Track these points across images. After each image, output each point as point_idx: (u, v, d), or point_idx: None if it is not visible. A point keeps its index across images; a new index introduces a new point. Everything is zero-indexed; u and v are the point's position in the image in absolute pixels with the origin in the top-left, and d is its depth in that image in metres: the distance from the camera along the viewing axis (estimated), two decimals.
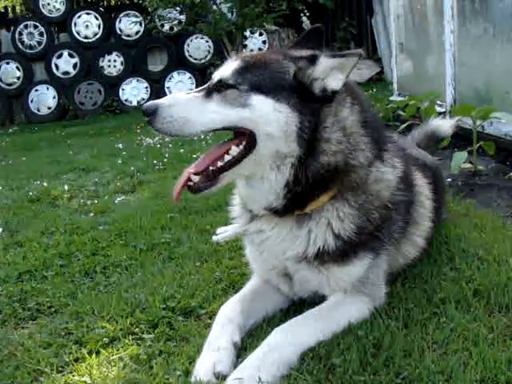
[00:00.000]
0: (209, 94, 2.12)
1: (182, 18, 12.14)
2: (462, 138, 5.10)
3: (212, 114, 2.07)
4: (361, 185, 2.19)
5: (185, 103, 2.10)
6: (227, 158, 2.11)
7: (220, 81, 2.11)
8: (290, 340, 1.98)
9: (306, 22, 13.63)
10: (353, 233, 2.18)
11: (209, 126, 2.09)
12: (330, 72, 2.08)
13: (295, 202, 2.15)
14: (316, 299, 2.32)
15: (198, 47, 13.61)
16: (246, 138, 2.09)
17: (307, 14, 13.55)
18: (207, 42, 13.47)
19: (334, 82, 2.08)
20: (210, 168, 2.13)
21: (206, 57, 13.58)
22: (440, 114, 5.70)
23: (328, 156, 2.09)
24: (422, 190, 2.64)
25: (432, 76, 7.02)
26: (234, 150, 2.10)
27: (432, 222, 2.67)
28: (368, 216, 2.20)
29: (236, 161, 2.10)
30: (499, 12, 5.21)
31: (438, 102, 6.05)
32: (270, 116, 2.04)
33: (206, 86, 2.17)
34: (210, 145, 7.16)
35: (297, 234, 2.20)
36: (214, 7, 10.93)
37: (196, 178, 2.12)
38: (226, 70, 2.13)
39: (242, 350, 2.07)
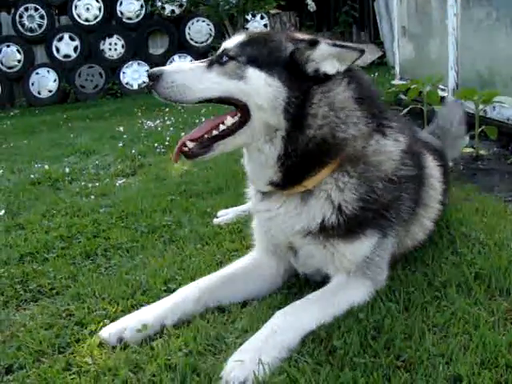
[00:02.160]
0: (211, 64, 2.20)
1: (184, 0, 12.07)
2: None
3: (211, 83, 2.16)
4: (359, 156, 2.21)
5: (187, 71, 2.20)
6: (222, 127, 2.19)
7: (223, 51, 2.20)
8: (291, 324, 1.98)
9: (312, 4, 13.55)
10: (356, 205, 2.19)
11: (206, 94, 2.17)
12: (328, 58, 2.14)
13: (292, 176, 2.20)
14: (318, 277, 2.34)
15: (199, 30, 13.56)
16: (240, 110, 2.16)
17: None
18: (208, 25, 13.41)
19: (329, 67, 2.15)
20: (205, 136, 2.21)
21: (208, 40, 13.53)
22: (442, 98, 5.68)
23: (314, 130, 2.14)
24: (433, 172, 2.65)
25: (434, 60, 6.99)
26: (229, 121, 2.19)
27: (441, 205, 2.68)
28: (371, 186, 2.20)
29: (230, 131, 2.19)
30: None
31: (441, 86, 6.02)
32: (261, 89, 2.11)
33: (210, 58, 2.27)
34: None
35: (301, 209, 2.24)
36: None
37: (191, 145, 2.21)
38: (231, 42, 2.23)
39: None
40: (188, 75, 2.18)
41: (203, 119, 7.80)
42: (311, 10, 13.69)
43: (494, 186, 3.77)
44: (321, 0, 13.74)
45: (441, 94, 5.71)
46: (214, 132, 2.20)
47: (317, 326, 2.01)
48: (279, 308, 2.09)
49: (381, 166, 2.24)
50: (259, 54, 2.15)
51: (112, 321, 2.23)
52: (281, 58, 2.14)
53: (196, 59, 11.85)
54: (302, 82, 2.14)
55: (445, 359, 1.81)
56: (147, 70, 12.25)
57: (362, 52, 2.16)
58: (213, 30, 13.40)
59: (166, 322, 2.17)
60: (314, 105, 2.14)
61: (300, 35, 2.24)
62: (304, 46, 2.14)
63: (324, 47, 2.13)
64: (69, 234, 3.40)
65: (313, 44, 2.14)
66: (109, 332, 2.11)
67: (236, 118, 2.18)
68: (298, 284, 2.44)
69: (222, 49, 2.24)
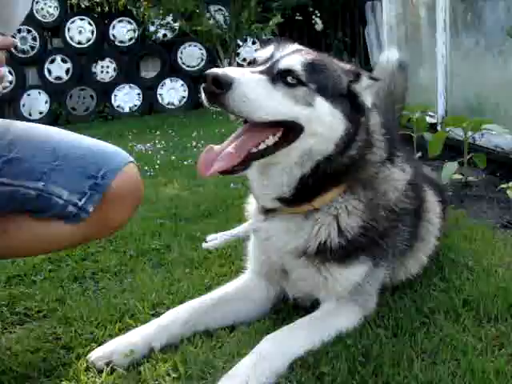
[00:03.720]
0: (274, 81, 2.02)
1: (176, 25, 12.15)
2: (452, 149, 5.13)
3: (278, 104, 1.99)
4: (371, 181, 2.23)
5: (257, 84, 1.97)
6: (262, 146, 2.03)
7: (289, 71, 2.03)
8: (279, 349, 1.97)
9: (319, 23, 13.73)
10: (358, 231, 2.18)
11: (274, 115, 1.98)
12: (365, 90, 2.17)
13: (304, 194, 2.15)
14: (308, 302, 2.35)
15: (191, 55, 13.60)
16: (283, 129, 2.05)
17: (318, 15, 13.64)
18: (200, 49, 13.46)
19: (369, 99, 2.18)
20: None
21: (199, 64, 13.57)
22: (431, 124, 5.73)
23: (349, 158, 2.15)
24: (433, 207, 2.65)
25: (424, 87, 7.05)
26: (271, 140, 2.04)
27: (437, 240, 2.68)
28: (374, 214, 2.21)
29: (271, 151, 2.05)
30: (491, 25, 5.26)
31: (430, 113, 6.07)
32: (325, 118, 2.06)
33: (263, 68, 2.06)
34: (201, 151, 7.15)
35: (302, 225, 2.21)
36: (208, 15, 10.95)
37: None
38: (295, 62, 2.06)
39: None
40: (258, 90, 1.95)
41: (194, 143, 7.82)
42: (318, 29, 13.87)
43: (483, 213, 3.79)
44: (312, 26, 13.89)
45: (430, 120, 5.76)
46: (253, 150, 2.01)
47: (305, 352, 2.00)
48: (267, 333, 2.08)
49: (387, 195, 2.25)
50: (326, 82, 2.09)
51: (99, 345, 2.21)
52: (342, 89, 2.13)
53: (188, 83, 11.89)
54: (355, 114, 2.15)
55: None
56: (138, 94, 12.25)
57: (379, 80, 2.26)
58: (205, 54, 13.46)
59: (154, 344, 2.15)
60: (358, 136, 2.16)
61: (341, 64, 2.25)
62: (354, 79, 2.16)
63: (365, 79, 2.17)
64: (57, 257, 3.37)
65: (357, 76, 2.17)
66: (96, 355, 2.10)
67: (276, 138, 2.04)
68: (287, 309, 2.44)
69: (286, 67, 2.04)
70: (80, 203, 2.06)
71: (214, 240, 3.43)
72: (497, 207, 3.89)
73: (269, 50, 2.19)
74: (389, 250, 2.29)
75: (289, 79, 2.03)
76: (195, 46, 13.39)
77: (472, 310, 2.30)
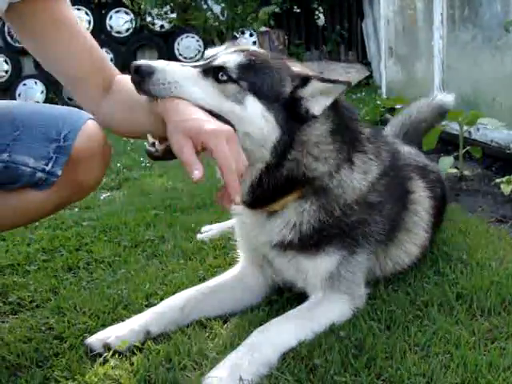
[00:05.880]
0: (206, 73, 2.06)
1: (173, 16, 12.11)
2: (448, 143, 5.14)
3: (206, 93, 2.03)
4: (323, 188, 2.23)
5: (181, 72, 2.04)
6: None
7: (222, 68, 2.06)
8: (270, 340, 1.98)
9: (322, 18, 13.75)
10: (312, 226, 2.24)
11: (199, 102, 2.00)
12: (316, 94, 2.11)
13: (260, 201, 2.24)
14: (296, 290, 2.39)
15: (188, 46, 13.57)
16: None
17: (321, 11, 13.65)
18: (198, 41, 13.43)
19: (317, 107, 2.11)
20: None
21: (196, 55, 13.54)
22: None
23: (289, 169, 2.16)
24: (420, 199, 2.63)
25: (420, 81, 7.06)
26: None
27: (426, 233, 2.66)
28: (329, 213, 2.24)
29: None
30: (488, 19, 5.26)
31: None
32: (256, 120, 2.04)
33: (200, 63, 2.14)
34: None
35: (265, 223, 2.30)
36: (205, 7, 10.92)
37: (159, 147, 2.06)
38: (230, 60, 2.08)
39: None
40: (182, 76, 2.01)
41: None
42: (320, 23, 13.87)
43: (477, 207, 3.80)
44: (311, 18, 13.86)
45: None
46: None
47: (297, 343, 2.00)
48: (260, 324, 2.09)
49: (341, 197, 2.26)
50: (262, 83, 2.06)
51: (92, 335, 2.20)
52: (282, 94, 2.09)
53: None
54: (293, 123, 2.11)
55: (425, 378, 1.81)
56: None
57: (349, 85, 2.17)
58: (202, 45, 13.43)
59: (151, 329, 2.18)
60: (295, 147, 2.14)
61: (294, 67, 2.20)
62: (299, 83, 2.11)
63: (315, 83, 2.10)
64: (51, 247, 3.37)
65: (305, 81, 2.11)
66: (95, 338, 2.13)
67: None
68: (281, 301, 2.44)
69: (219, 63, 2.08)
70: (47, 168, 2.07)
71: (209, 231, 3.44)
72: (491, 201, 3.90)
73: (217, 49, 2.24)
74: (364, 239, 2.31)
75: (219, 75, 2.05)
76: (192, 37, 13.36)
77: (465, 304, 2.30)
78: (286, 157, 2.13)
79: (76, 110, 2.23)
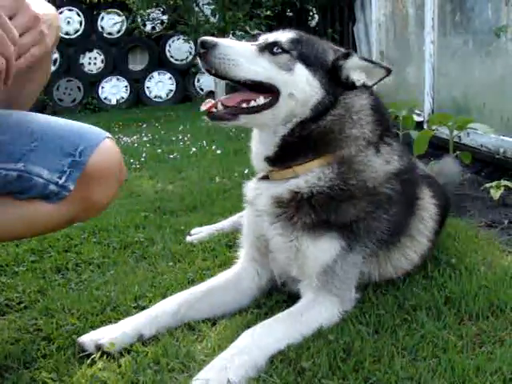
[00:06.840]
0: (261, 50, 2.34)
1: (165, 18, 12.10)
2: (438, 148, 5.15)
3: (260, 67, 2.30)
4: (349, 159, 2.33)
5: (241, 48, 2.33)
6: (253, 103, 2.33)
7: (275, 43, 2.35)
8: (258, 343, 1.98)
9: (316, 19, 13.80)
10: (327, 202, 2.29)
11: (253, 75, 2.30)
12: (357, 69, 2.38)
13: (286, 155, 2.38)
14: (293, 287, 2.40)
15: (179, 48, 13.59)
16: (272, 94, 2.32)
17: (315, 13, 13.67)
18: (189, 43, 13.44)
19: (356, 77, 2.37)
20: (238, 106, 2.33)
21: (187, 58, 13.56)
22: (418, 123, 5.75)
23: (323, 127, 2.33)
24: (427, 206, 2.64)
25: (411, 85, 7.08)
26: (261, 100, 2.32)
27: (430, 242, 2.66)
28: (344, 184, 2.31)
29: (259, 109, 2.33)
30: (478, 25, 5.29)
31: (417, 111, 6.10)
32: (302, 84, 2.31)
33: (256, 42, 2.41)
34: (187, 146, 7.16)
35: (279, 184, 2.39)
36: (197, 9, 10.91)
37: (221, 108, 2.33)
38: (282, 36, 2.38)
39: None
40: (241, 52, 2.29)
41: (180, 136, 7.81)
42: (312, 25, 13.92)
43: (467, 212, 3.81)
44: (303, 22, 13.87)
45: (417, 118, 5.77)
46: (244, 105, 2.33)
47: (285, 346, 2.01)
48: (249, 327, 2.09)
49: (359, 173, 2.33)
50: (309, 54, 2.35)
51: (80, 336, 2.20)
52: (325, 62, 2.36)
53: (175, 77, 11.87)
54: (335, 88, 2.35)
55: (413, 382, 1.81)
56: (126, 86, 12.21)
57: (389, 71, 2.40)
58: (193, 48, 13.43)
59: (143, 332, 2.19)
60: (338, 105, 2.35)
61: (336, 47, 2.49)
62: (341, 55, 2.38)
63: (355, 59, 2.37)
64: (40, 248, 3.35)
65: (347, 55, 2.37)
66: (87, 338, 2.13)
67: (267, 100, 2.32)
68: (269, 304, 2.44)
69: (272, 40, 2.36)
70: (60, 181, 2.06)
71: (199, 233, 3.43)
72: (481, 206, 3.91)
73: (271, 34, 2.47)
74: (364, 235, 2.33)
75: (274, 49, 2.34)
76: (184, 39, 13.35)
77: (453, 308, 2.30)
78: (325, 114, 2.33)
79: (94, 127, 2.22)
